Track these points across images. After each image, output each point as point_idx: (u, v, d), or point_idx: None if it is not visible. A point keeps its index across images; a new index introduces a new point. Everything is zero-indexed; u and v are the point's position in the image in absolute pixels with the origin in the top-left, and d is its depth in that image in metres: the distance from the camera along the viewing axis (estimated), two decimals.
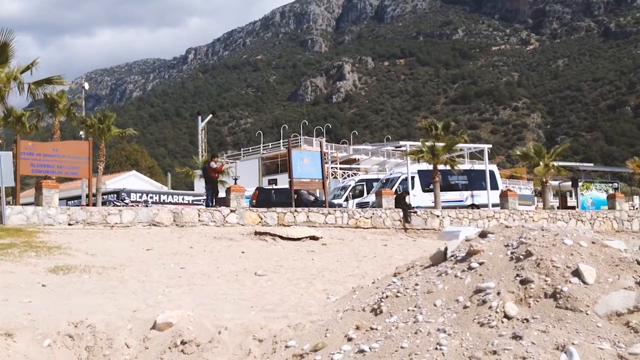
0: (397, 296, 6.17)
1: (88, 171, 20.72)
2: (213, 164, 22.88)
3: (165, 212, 19.53)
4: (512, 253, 6.02)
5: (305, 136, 55.92)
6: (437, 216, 23.56)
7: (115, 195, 33.65)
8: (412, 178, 29.03)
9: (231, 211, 20.23)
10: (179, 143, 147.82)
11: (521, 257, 5.84)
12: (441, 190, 26.40)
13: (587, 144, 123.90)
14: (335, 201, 28.92)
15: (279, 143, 57.40)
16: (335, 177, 44.61)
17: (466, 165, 33.48)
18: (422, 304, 5.79)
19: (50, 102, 25.48)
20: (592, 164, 52.35)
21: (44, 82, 24.07)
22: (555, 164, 30.72)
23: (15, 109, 25.81)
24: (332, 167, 45.10)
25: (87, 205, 21.71)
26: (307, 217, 21.13)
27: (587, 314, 4.93)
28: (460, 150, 32.72)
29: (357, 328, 5.88)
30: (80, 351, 6.77)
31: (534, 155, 30.63)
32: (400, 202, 23.58)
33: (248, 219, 20.18)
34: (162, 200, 35.27)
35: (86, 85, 43.10)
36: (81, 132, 31.27)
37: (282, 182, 40.98)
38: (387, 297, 6.23)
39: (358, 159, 51.41)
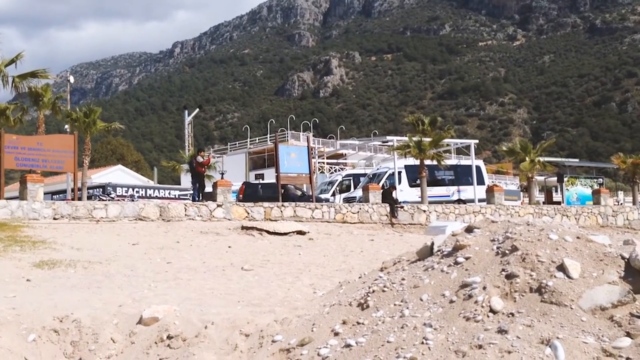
0: (383, 291, 6.19)
1: (73, 165, 20.57)
2: (200, 159, 22.79)
3: (151, 206, 19.45)
4: (498, 248, 6.05)
5: (292, 131, 55.80)
6: (424, 211, 23.64)
7: (101, 189, 33.43)
8: (399, 173, 29.10)
9: (218, 206, 20.18)
10: (166, 137, 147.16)
11: (507, 251, 5.87)
12: (428, 186, 26.47)
13: (573, 140, 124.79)
14: (322, 196, 28.93)
15: (266, 138, 57.28)
16: (322, 172, 44.59)
17: (453, 160, 33.57)
18: (409, 299, 5.81)
19: (35, 95, 25.23)
20: (577, 160, 52.75)
21: (28, 76, 23.85)
22: (541, 159, 30.92)
23: None
24: (319, 162, 45.08)
25: (73, 199, 21.57)
26: (294, 211, 21.12)
27: (571, 308, 4.97)
28: (447, 145, 32.82)
29: (344, 323, 5.89)
30: (66, 346, 6.74)
31: (520, 150, 30.80)
32: (387, 197, 23.63)
33: (235, 214, 20.14)
34: (148, 195, 35.09)
35: (71, 79, 42.67)
36: (66, 126, 31.01)
37: (269, 176, 40.92)
38: (373, 291, 6.24)
39: (345, 154, 51.41)
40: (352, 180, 32.76)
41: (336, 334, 5.73)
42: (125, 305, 7.83)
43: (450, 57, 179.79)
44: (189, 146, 49.06)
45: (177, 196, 35.20)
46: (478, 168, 31.11)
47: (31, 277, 9.76)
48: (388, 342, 5.12)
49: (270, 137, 54.80)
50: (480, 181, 30.37)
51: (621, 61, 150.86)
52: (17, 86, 23.34)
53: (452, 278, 5.87)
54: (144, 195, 34.66)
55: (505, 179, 53.94)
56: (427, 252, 6.82)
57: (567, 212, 26.39)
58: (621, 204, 39.93)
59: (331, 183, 33.41)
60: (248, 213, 20.38)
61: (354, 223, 21.73)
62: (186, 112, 54.23)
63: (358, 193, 27.61)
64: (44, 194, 19.50)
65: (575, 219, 26.05)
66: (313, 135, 52.66)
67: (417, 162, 26.74)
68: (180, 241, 15.47)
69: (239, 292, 9.02)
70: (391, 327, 5.38)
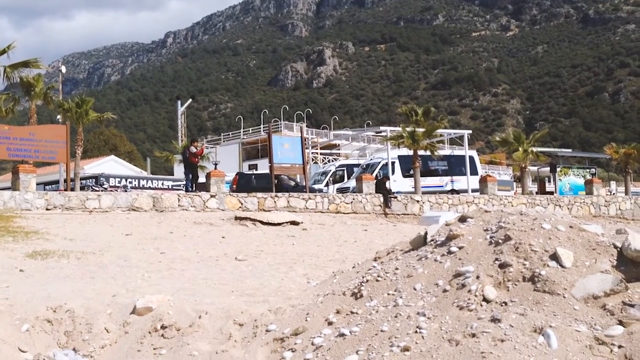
0: (377, 280, 6.20)
1: (66, 155, 20.48)
2: (193, 149, 22.74)
3: (144, 197, 19.40)
4: (491, 237, 6.07)
5: (285, 121, 55.69)
6: (417, 201, 23.67)
7: (94, 180, 33.31)
8: (393, 163, 29.12)
9: (211, 196, 20.15)
10: (158, 128, 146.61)
11: (500, 241, 5.89)
12: (421, 176, 26.50)
13: (566, 130, 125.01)
14: (316, 186, 28.92)
15: (260, 128, 57.13)
16: (315, 163, 44.57)
17: (446, 150, 33.60)
18: (402, 288, 5.83)
19: (27, 85, 25.05)
20: (570, 150, 52.84)
21: (20, 65, 23.67)
22: (534, 149, 30.99)
23: None
24: (312, 153, 45.04)
25: (65, 190, 21.49)
26: (288, 202, 21.12)
27: (564, 297, 5.00)
28: (440, 135, 32.83)
29: (338, 312, 5.91)
30: (59, 336, 6.73)
31: (513, 141, 30.87)
32: (381, 187, 23.64)
33: (228, 204, 20.12)
34: (141, 185, 35.00)
35: (63, 69, 42.35)
36: (58, 116, 30.84)
37: (263, 167, 40.86)
38: (367, 281, 6.26)
39: (338, 144, 51.38)
40: (345, 171, 32.76)
41: (330, 324, 5.74)
42: (119, 295, 7.83)
43: (443, 47, 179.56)
44: (182, 137, 48.93)
45: (170, 187, 35.12)
46: (471, 158, 31.17)
47: (24, 268, 9.73)
48: (382, 331, 5.14)
49: (263, 127, 54.66)
50: (474, 171, 30.43)
51: (614, 51, 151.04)
52: (9, 76, 23.15)
53: (445, 267, 5.89)
54: (137, 185, 34.58)
55: (498, 170, 54.02)
56: (420, 241, 6.84)
57: (560, 202, 26.48)
58: (613, 194, 40.08)
59: (325, 173, 33.41)
60: (242, 203, 20.37)
61: (348, 213, 21.75)
62: (179, 102, 54.03)
63: (351, 183, 27.62)
64: (37, 184, 19.42)
65: (568, 208, 26.15)
66: (306, 126, 52.54)
67: (411, 152, 26.74)
68: (174, 232, 15.45)
69: (233, 282, 9.03)
70: (385, 316, 5.39)
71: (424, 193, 25.12)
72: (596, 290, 5.01)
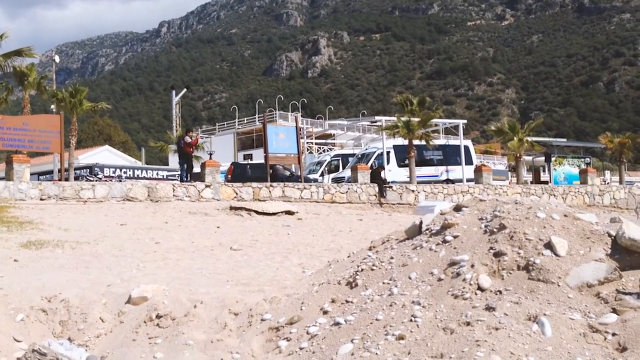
0: (372, 269, 6.21)
1: (60, 145, 20.41)
2: (187, 139, 22.70)
3: (139, 187, 19.36)
4: (486, 226, 6.08)
5: (280, 111, 55.60)
6: (413, 191, 23.69)
7: (88, 170, 33.24)
8: (388, 153, 29.10)
9: (206, 186, 20.13)
10: (153, 118, 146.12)
11: (495, 230, 5.90)
12: (416, 166, 26.52)
13: (561, 120, 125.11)
14: (311, 176, 28.91)
15: (254, 118, 57.01)
16: (310, 152, 44.56)
17: (441, 140, 33.62)
18: (397, 277, 5.84)
19: (20, 75, 24.92)
20: (565, 140, 52.96)
21: (13, 54, 23.55)
22: (529, 139, 31.02)
23: None
24: (307, 142, 45.03)
25: (60, 180, 21.43)
26: (283, 192, 21.11)
27: (558, 285, 5.01)
28: (436, 125, 32.83)
29: (333, 301, 5.92)
30: (54, 325, 6.73)
31: (508, 130, 30.89)
32: (376, 177, 23.65)
33: (223, 194, 20.10)
34: (136, 175, 34.95)
35: (57, 58, 42.15)
36: (52, 106, 30.71)
37: (258, 157, 40.82)
38: (362, 270, 6.26)
39: (333, 134, 51.35)
40: (340, 161, 32.75)
41: (325, 313, 5.75)
42: (114, 285, 7.83)
43: (438, 36, 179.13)
44: (176, 127, 48.75)
45: (165, 177, 35.09)
46: (466, 148, 31.18)
47: (19, 258, 9.71)
48: (377, 320, 5.15)
49: (258, 117, 54.52)
50: (469, 161, 30.45)
51: (609, 41, 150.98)
52: (2, 65, 23.04)
53: (440, 256, 5.90)
54: (131, 175, 34.54)
55: (493, 159, 54.15)
56: (415, 231, 6.84)
57: (555, 192, 26.54)
58: (608, 183, 40.25)
59: (320, 163, 33.40)
60: (237, 193, 20.35)
61: (343, 203, 21.75)
62: (173, 92, 53.80)
63: (347, 173, 27.62)
64: (31, 174, 19.36)
65: (563, 198, 26.21)
66: (301, 116, 52.48)
67: (406, 142, 26.74)
68: (169, 221, 15.44)
69: (228, 272, 9.03)
70: (380, 305, 5.40)
71: (419, 183, 25.14)
72: (590, 279, 5.03)
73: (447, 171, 30.10)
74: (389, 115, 35.58)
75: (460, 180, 28.56)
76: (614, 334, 4.40)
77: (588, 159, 35.50)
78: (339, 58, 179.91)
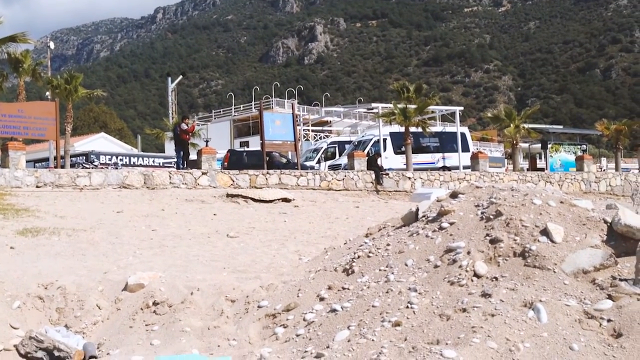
0: (368, 256, 6.22)
1: (55, 133, 20.35)
2: (184, 126, 22.62)
3: (135, 174, 19.33)
4: (482, 213, 6.08)
5: (277, 98, 55.41)
6: (409, 178, 23.71)
7: (84, 157, 33.11)
8: (384, 140, 29.08)
9: (203, 173, 20.11)
10: (149, 105, 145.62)
11: (491, 216, 5.91)
12: (413, 153, 26.51)
13: (557, 107, 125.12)
14: (308, 163, 28.89)
15: (251, 105, 56.84)
16: (307, 139, 44.47)
17: (438, 127, 33.55)
18: (394, 264, 5.85)
19: (15, 61, 24.79)
20: (561, 126, 52.95)
21: (7, 40, 23.42)
22: (525, 126, 31.00)
23: None
24: (304, 129, 44.91)
25: (55, 167, 21.37)
26: (279, 179, 21.10)
27: (554, 271, 5.03)
28: (432, 112, 32.78)
29: (329, 288, 5.93)
30: (51, 312, 6.74)
31: (504, 117, 30.86)
32: (372, 164, 23.65)
33: (220, 181, 20.08)
34: (132, 163, 34.81)
35: (52, 45, 41.81)
36: (47, 93, 30.56)
37: (254, 144, 40.73)
38: (359, 257, 6.27)
39: (330, 121, 51.24)
40: (337, 148, 32.71)
41: (322, 299, 5.76)
42: (111, 272, 7.83)
43: (435, 23, 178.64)
44: (172, 114, 48.60)
45: (161, 164, 34.99)
46: (463, 135, 31.17)
47: (15, 245, 9.70)
48: (373, 306, 5.16)
49: (254, 104, 54.38)
50: (465, 148, 30.45)
51: (606, 27, 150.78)
52: None
53: (436, 243, 5.91)
54: (127, 163, 34.41)
55: (489, 146, 54.11)
56: (412, 218, 6.85)
57: (551, 179, 26.58)
58: (604, 170, 40.26)
59: (316, 150, 33.36)
60: (233, 181, 20.33)
61: (339, 190, 21.76)
62: (169, 79, 53.61)
63: (343, 160, 27.60)
64: (26, 162, 19.31)
65: (559, 185, 26.26)
66: (298, 103, 52.26)
67: (402, 129, 26.70)
68: (165, 209, 15.42)
69: (225, 259, 9.04)
70: (376, 292, 5.41)
71: (415, 170, 25.15)
72: (586, 265, 5.05)
73: (443, 158, 30.10)
74: (386, 102, 35.45)
75: (457, 168, 28.56)
76: (609, 320, 4.42)
77: (584, 146, 35.44)
78: (335, 45, 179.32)
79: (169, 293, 6.79)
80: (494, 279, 5.09)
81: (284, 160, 26.49)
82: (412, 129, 26.74)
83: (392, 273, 5.66)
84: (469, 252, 5.48)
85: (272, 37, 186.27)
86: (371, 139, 29.81)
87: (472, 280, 5.15)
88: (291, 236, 11.77)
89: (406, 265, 5.74)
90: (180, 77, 56.66)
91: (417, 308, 4.90)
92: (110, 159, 33.97)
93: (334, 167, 27.43)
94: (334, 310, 5.37)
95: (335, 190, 21.69)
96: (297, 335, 5.25)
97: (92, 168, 23.12)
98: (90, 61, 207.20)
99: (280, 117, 25.57)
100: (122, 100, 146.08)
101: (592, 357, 4.11)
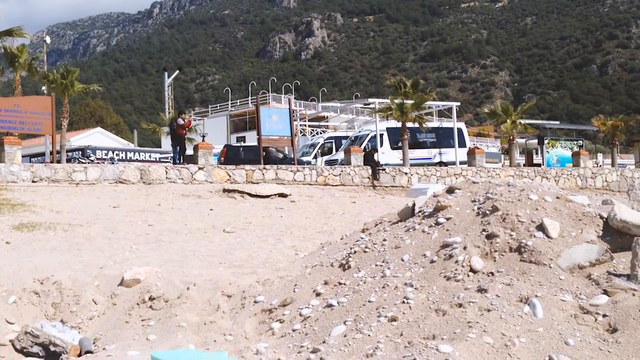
0: (365, 251, 6.22)
1: (51, 127, 20.31)
2: (180, 121, 22.60)
3: (131, 169, 19.31)
4: (478, 208, 6.08)
5: (273, 93, 55.38)
6: (406, 173, 23.71)
7: (80, 152, 33.09)
8: (381, 135, 29.06)
9: (199, 168, 20.09)
10: (145, 100, 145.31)
11: (487, 212, 5.91)
12: (410, 148, 26.52)
13: (554, 102, 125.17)
14: (304, 158, 28.86)
15: (247, 100, 56.77)
16: (304, 135, 44.42)
17: (434, 123, 33.58)
18: (390, 259, 5.85)
19: (11, 56, 24.70)
20: (558, 122, 53.04)
21: (3, 35, 23.35)
22: (522, 121, 31.04)
23: None
24: (300, 125, 44.87)
25: (51, 162, 21.33)
26: (276, 174, 21.09)
27: (550, 267, 5.03)
28: (429, 108, 32.77)
29: (326, 283, 5.92)
30: (47, 307, 6.73)
31: (501, 113, 30.91)
32: (369, 159, 23.65)
33: (216, 177, 20.07)
34: (128, 158, 34.81)
35: (48, 39, 41.78)
36: (43, 88, 30.49)
37: (251, 139, 40.72)
38: (355, 252, 6.27)
39: (327, 117, 51.20)
40: (333, 143, 32.68)
41: (318, 295, 5.76)
42: (107, 267, 7.82)
43: (432, 18, 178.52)
44: (169, 109, 48.50)
45: (157, 159, 34.98)
46: (460, 130, 31.16)
47: (11, 240, 9.69)
48: (369, 301, 5.16)
49: (251, 99, 54.30)
50: (462, 144, 30.44)
51: (602, 23, 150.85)
52: None
53: (433, 238, 5.91)
54: (124, 158, 34.40)
55: (486, 142, 54.15)
56: (408, 213, 6.85)
57: (547, 174, 26.62)
58: (600, 166, 40.37)
59: (313, 146, 33.33)
60: (230, 176, 20.32)
61: (336, 185, 21.76)
62: (166, 74, 53.46)
63: (340, 155, 27.59)
64: (22, 156, 19.27)
65: (555, 180, 26.29)
66: (295, 98, 52.27)
67: (399, 124, 26.70)
68: (162, 204, 15.41)
69: (221, 254, 9.04)
70: (372, 287, 5.41)
71: (412, 165, 25.16)
72: (582, 260, 5.05)
73: (440, 154, 30.09)
74: (382, 97, 35.50)
75: (453, 163, 28.58)
76: (604, 315, 4.43)
77: (581, 142, 35.53)
78: (332, 40, 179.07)
79: (165, 288, 6.78)
80: (490, 274, 5.09)
81: (281, 156, 26.47)
82: (409, 125, 26.75)
83: (389, 268, 5.66)
84: (465, 248, 5.49)
85: (269, 32, 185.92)
86: (368, 134, 29.79)
87: (468, 276, 5.15)
88: (288, 231, 11.77)
89: (402, 260, 5.74)
90: (177, 72, 56.50)
91: (413, 303, 4.91)
92: (106, 154, 33.96)
93: (330, 163, 27.42)
94: (330, 306, 5.37)
95: (332, 185, 21.69)
96: (294, 330, 5.24)
97: (89, 163, 23.09)
98: (87, 56, 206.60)
99: (277, 112, 25.54)
100: (118, 95, 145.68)
101: (588, 352, 4.12)
